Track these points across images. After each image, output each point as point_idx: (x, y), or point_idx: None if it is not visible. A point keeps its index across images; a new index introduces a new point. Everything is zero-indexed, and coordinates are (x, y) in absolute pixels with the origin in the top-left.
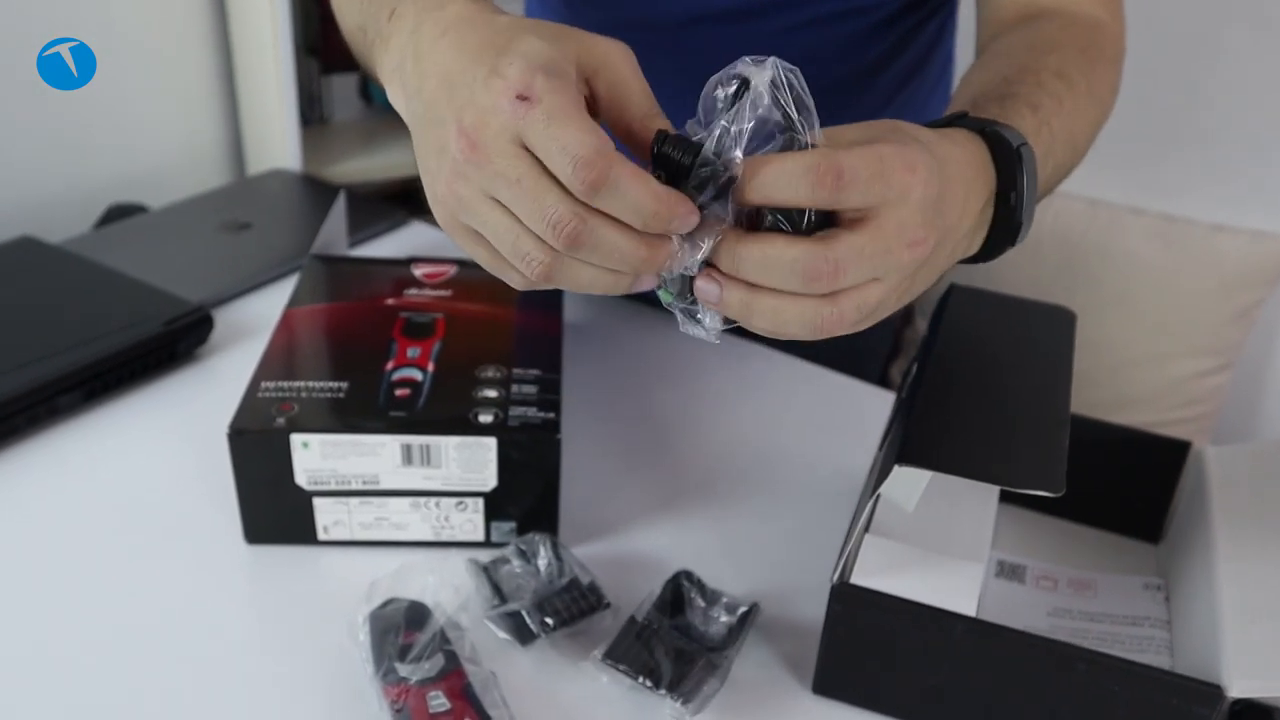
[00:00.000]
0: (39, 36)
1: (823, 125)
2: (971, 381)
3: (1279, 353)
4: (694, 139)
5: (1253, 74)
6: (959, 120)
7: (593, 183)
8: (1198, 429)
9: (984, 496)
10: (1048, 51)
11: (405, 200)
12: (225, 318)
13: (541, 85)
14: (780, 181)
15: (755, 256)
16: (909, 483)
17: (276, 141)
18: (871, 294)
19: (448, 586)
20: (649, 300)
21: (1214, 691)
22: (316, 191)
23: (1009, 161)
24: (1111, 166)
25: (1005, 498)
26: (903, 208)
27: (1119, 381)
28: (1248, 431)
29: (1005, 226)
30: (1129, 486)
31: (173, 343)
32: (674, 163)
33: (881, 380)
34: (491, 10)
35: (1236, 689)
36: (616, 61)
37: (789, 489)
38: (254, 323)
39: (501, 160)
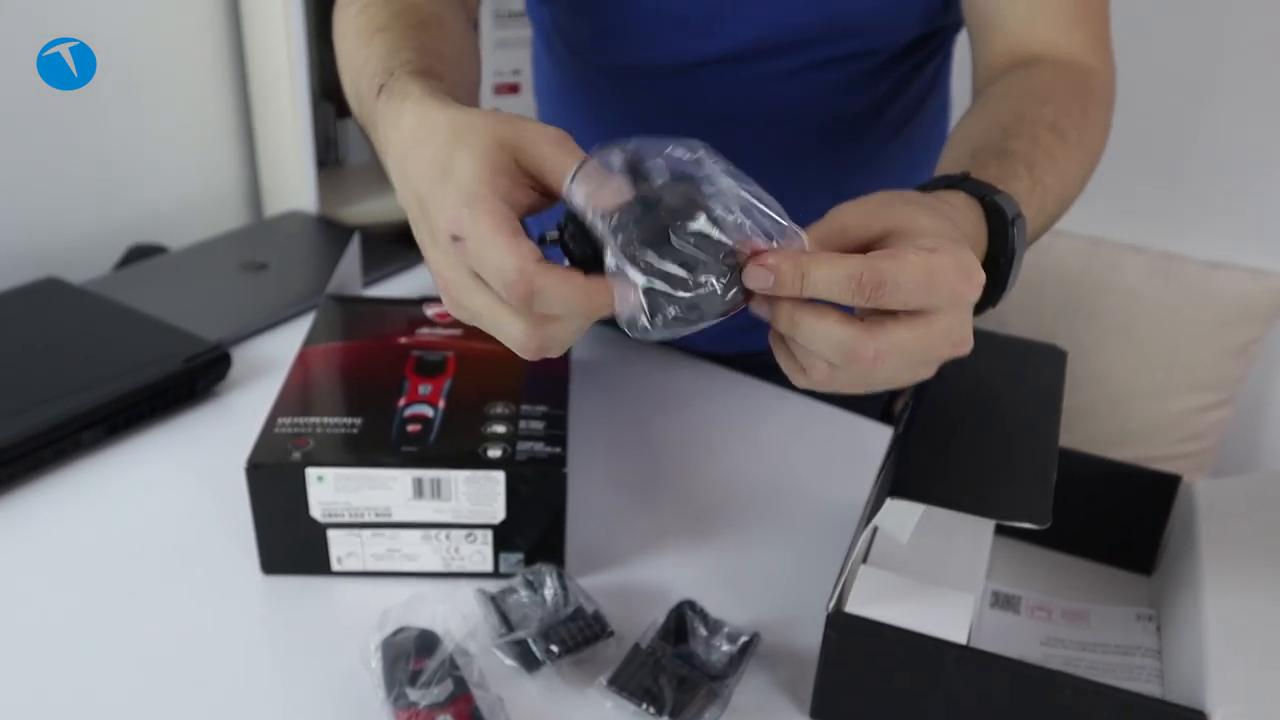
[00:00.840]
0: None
1: (824, 166)
2: (964, 417)
3: (1279, 388)
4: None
5: (1250, 115)
6: (960, 183)
7: (522, 299)
8: (1198, 463)
9: (978, 529)
10: (1043, 102)
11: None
12: (243, 356)
13: (466, 222)
14: (824, 284)
15: (807, 325)
16: (902, 515)
17: (293, 183)
18: (902, 377)
19: (457, 615)
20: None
21: (1197, 717)
22: (332, 232)
23: (1003, 230)
24: (1111, 205)
25: (1002, 531)
26: (954, 313)
27: (1120, 416)
28: (1248, 465)
29: (991, 289)
30: (1122, 520)
31: (192, 380)
32: (575, 256)
33: (884, 416)
34: (437, 109)
35: (1220, 715)
36: (555, 152)
37: (790, 521)
38: (270, 361)
39: (464, 296)
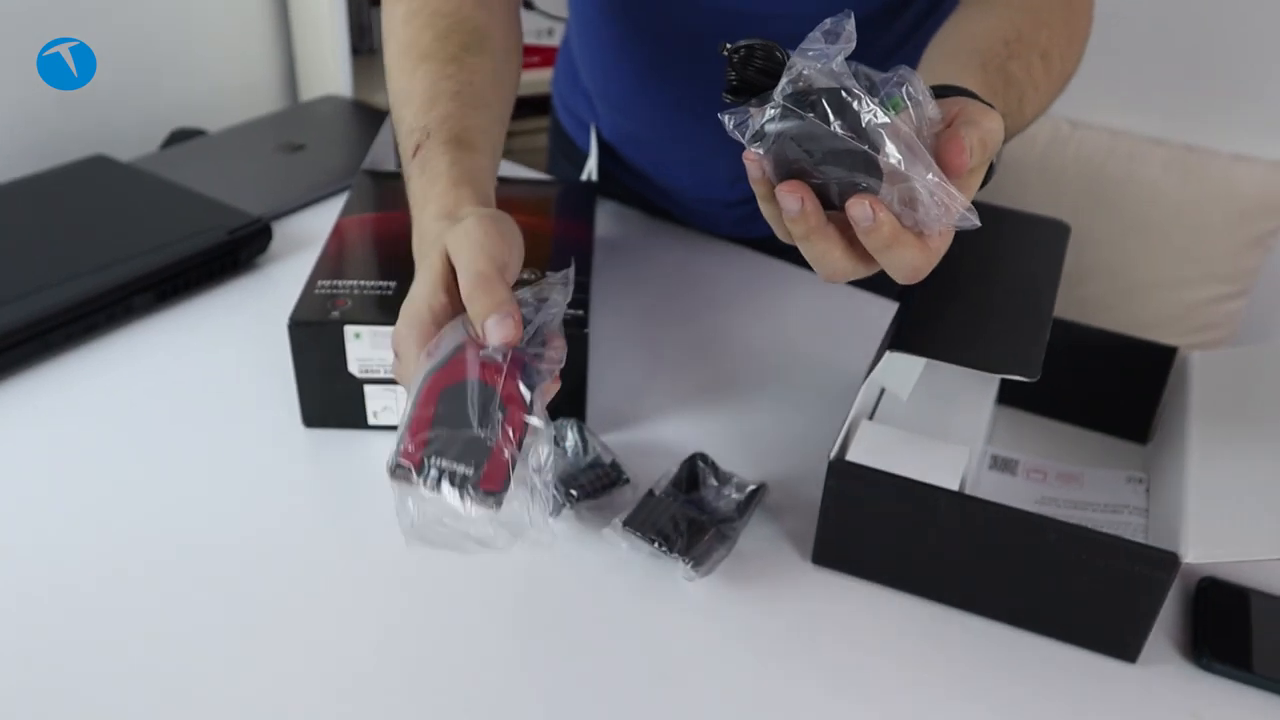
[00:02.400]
0: None
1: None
2: (967, 283)
3: None
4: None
5: (1272, 6)
6: (954, 94)
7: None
8: None
9: (980, 393)
10: (1042, 25)
11: None
12: (282, 230)
13: (401, 348)
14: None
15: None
16: (903, 369)
17: (328, 69)
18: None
19: None
20: (676, 219)
21: (1170, 558)
22: (365, 116)
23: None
24: (1133, 98)
25: (1005, 400)
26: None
27: (1135, 306)
28: None
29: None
30: (1121, 389)
31: (235, 250)
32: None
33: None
34: (446, 224)
35: (1191, 555)
36: (461, 256)
37: (801, 387)
38: (309, 235)
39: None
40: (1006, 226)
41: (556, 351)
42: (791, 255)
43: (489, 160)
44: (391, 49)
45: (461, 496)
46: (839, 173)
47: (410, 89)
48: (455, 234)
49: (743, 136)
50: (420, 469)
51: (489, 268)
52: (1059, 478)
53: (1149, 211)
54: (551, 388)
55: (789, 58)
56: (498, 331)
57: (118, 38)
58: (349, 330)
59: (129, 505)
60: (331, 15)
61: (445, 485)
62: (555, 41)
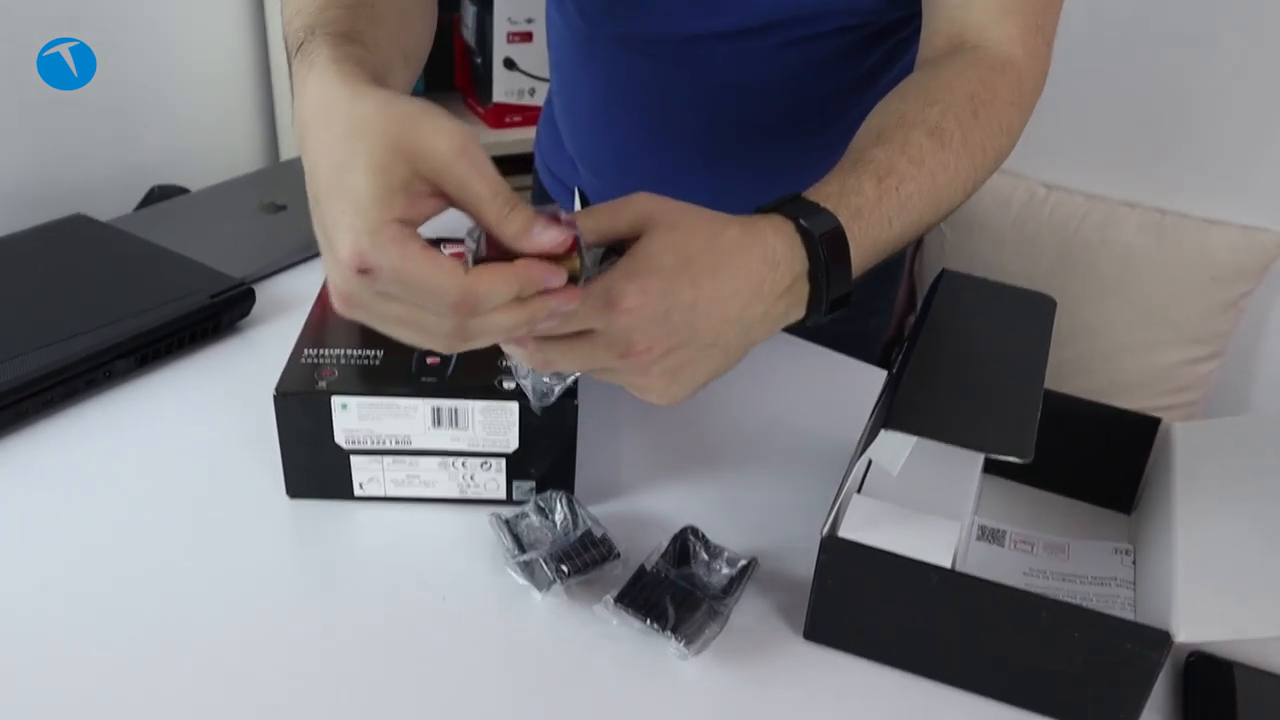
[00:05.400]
0: (80, 29)
1: (818, 132)
2: (956, 358)
3: (1266, 342)
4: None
5: (1244, 75)
6: (785, 204)
7: (469, 312)
8: (1186, 414)
9: (967, 465)
10: (932, 102)
11: None
12: (265, 293)
13: (371, 254)
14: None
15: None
16: (895, 446)
17: None
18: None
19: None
20: None
21: (1163, 637)
22: None
23: (815, 250)
24: (1107, 162)
25: (990, 469)
26: (610, 332)
27: (1111, 369)
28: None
29: (817, 297)
30: (1105, 460)
31: (218, 314)
32: None
33: (882, 364)
34: (337, 86)
35: (1183, 634)
36: (452, 167)
37: (789, 457)
38: (291, 298)
39: (375, 306)
40: (992, 299)
41: None
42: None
43: (382, 65)
44: None
45: None
46: None
47: (301, 4)
48: (422, 118)
49: None
50: None
51: (491, 169)
52: (1046, 548)
53: (1123, 274)
54: None
55: None
56: (550, 236)
57: (98, 92)
58: (336, 401)
59: (105, 576)
60: None
61: None
62: (537, 101)
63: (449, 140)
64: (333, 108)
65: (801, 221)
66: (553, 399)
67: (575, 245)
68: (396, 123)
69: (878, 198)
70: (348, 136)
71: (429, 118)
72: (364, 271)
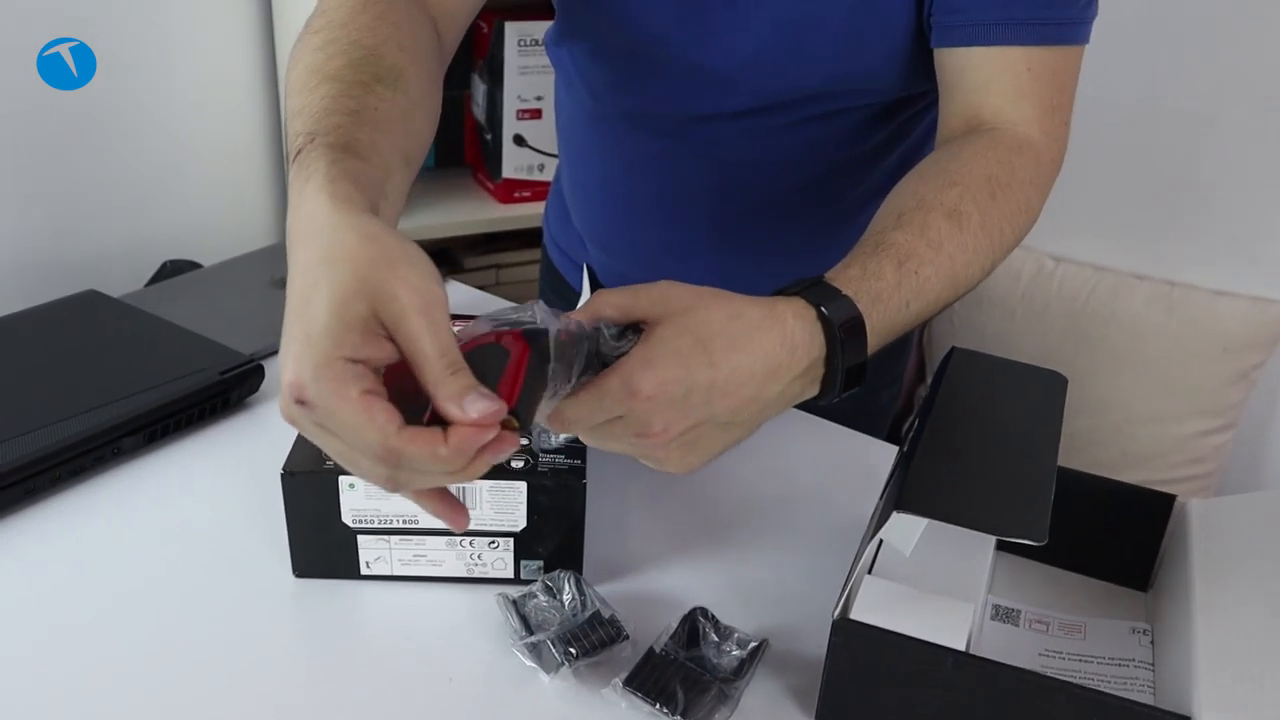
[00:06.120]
0: (94, 98)
1: (825, 207)
2: (967, 437)
3: (1279, 413)
4: None
5: (1251, 147)
6: (809, 288)
7: (390, 466)
8: (1201, 486)
9: (979, 545)
10: (951, 184)
11: (442, 260)
12: (274, 369)
13: (310, 391)
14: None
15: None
16: (907, 528)
17: None
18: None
19: None
20: None
21: None
22: None
23: (834, 337)
24: (1116, 235)
25: (1003, 547)
26: (632, 417)
27: (1123, 440)
28: (1250, 488)
29: (832, 380)
30: (1120, 537)
31: (226, 391)
32: None
33: (892, 436)
34: (326, 211)
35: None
36: (408, 320)
37: (798, 534)
38: None
39: (314, 435)
40: (1002, 377)
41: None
42: None
43: (380, 176)
44: (296, 71)
45: None
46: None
47: (305, 104)
48: (398, 263)
49: None
50: None
51: (446, 328)
52: (1062, 628)
53: (1134, 346)
54: None
55: None
56: (480, 407)
57: (111, 168)
58: (343, 481)
59: (111, 653)
60: None
61: None
62: (546, 176)
63: (414, 296)
64: (316, 229)
65: (823, 309)
66: (555, 443)
67: (513, 408)
68: (368, 262)
69: (897, 282)
70: (320, 262)
71: (405, 265)
72: (301, 403)
